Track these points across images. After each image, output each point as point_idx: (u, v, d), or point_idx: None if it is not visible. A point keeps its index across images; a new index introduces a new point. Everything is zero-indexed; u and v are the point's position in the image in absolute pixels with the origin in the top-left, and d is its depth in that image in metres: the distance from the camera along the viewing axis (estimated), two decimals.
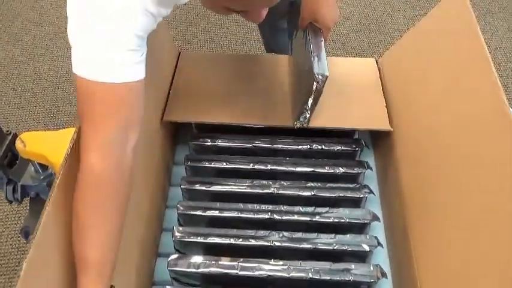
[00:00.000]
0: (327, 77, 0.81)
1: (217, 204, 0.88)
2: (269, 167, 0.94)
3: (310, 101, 0.86)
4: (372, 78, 1.02)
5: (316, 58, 0.83)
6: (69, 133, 0.91)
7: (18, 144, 0.88)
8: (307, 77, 0.84)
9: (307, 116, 0.90)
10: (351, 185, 0.91)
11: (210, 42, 1.70)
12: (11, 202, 1.00)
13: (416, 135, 0.88)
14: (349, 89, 0.99)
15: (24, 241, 1.13)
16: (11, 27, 1.74)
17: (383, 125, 0.94)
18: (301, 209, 0.87)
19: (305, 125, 0.92)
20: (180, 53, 1.07)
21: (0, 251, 1.19)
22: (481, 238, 0.64)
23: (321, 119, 0.93)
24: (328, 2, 0.86)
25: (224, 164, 0.94)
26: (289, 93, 0.99)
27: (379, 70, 1.04)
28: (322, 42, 0.86)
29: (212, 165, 0.95)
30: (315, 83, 0.81)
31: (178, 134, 1.07)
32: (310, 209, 0.87)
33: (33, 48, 1.67)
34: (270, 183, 0.92)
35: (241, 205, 0.89)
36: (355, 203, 0.91)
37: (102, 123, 0.60)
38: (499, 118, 0.65)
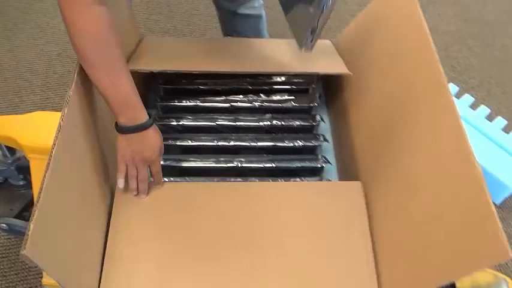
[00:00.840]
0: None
1: (186, 178, 0.94)
2: (232, 143, 0.99)
3: (319, 20, 0.83)
4: (331, 54, 1.09)
5: None
6: (36, 116, 0.94)
7: None
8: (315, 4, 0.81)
9: (312, 39, 0.87)
10: (309, 156, 0.98)
11: (172, 31, 1.73)
12: None
13: (368, 101, 0.95)
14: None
15: None
16: None
17: (341, 69, 1.00)
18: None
19: (309, 49, 0.89)
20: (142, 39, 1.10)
21: None
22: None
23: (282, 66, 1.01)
24: None
25: (189, 141, 0.99)
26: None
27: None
28: None
29: (178, 143, 0.99)
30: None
31: None
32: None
33: None
34: (234, 157, 0.97)
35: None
36: (314, 172, 0.98)
37: None
38: (438, 84, 0.73)
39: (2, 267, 1.15)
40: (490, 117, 1.42)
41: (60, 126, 0.68)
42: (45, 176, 0.62)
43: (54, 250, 0.62)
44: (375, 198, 0.85)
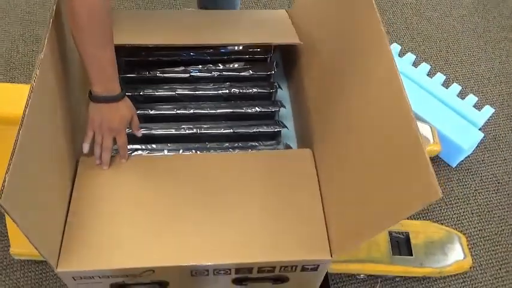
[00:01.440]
0: None
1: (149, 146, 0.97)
2: (191, 111, 1.02)
3: None
4: (285, 24, 1.12)
5: None
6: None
7: None
8: None
9: None
10: (266, 121, 1.02)
11: (136, 9, 1.74)
12: None
13: (317, 66, 0.99)
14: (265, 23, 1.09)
15: None
16: None
17: (293, 39, 1.05)
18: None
19: None
20: None
21: None
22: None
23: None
24: None
25: (149, 111, 1.01)
26: None
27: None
28: None
29: (138, 112, 1.02)
30: None
31: None
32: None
33: None
34: (194, 124, 1.00)
35: (168, 145, 0.98)
36: (272, 137, 1.02)
37: None
38: (378, 38, 0.78)
39: None
40: (446, 84, 1.47)
41: (32, 87, 0.71)
42: (18, 133, 0.65)
43: (24, 203, 0.65)
44: (323, 161, 0.90)
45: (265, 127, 1.00)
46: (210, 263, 0.76)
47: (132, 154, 0.94)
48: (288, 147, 1.00)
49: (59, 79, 0.84)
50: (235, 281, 0.84)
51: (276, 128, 1.00)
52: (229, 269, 0.79)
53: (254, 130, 1.00)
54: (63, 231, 0.79)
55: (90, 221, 0.80)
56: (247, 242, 0.79)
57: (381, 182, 0.71)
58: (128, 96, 1.03)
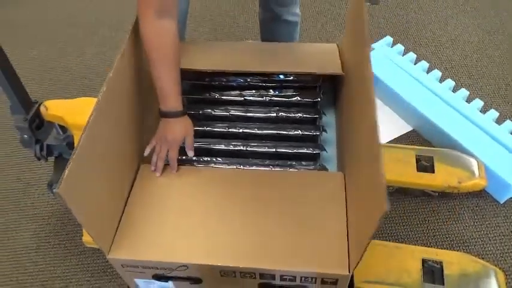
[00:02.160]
0: None
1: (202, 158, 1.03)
2: (241, 130, 1.06)
3: None
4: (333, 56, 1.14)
5: None
6: (82, 101, 1.07)
7: (42, 108, 1.04)
8: None
9: None
10: (307, 144, 1.03)
11: (214, 40, 1.84)
12: (39, 159, 1.16)
13: (350, 97, 1.00)
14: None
15: (52, 195, 1.29)
16: (48, 29, 1.93)
17: (335, 70, 1.07)
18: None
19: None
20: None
21: (33, 204, 1.36)
22: None
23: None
24: None
25: (206, 127, 1.08)
26: None
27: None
28: None
29: (197, 128, 1.09)
30: None
31: None
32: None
33: (67, 46, 1.86)
34: (242, 142, 1.05)
35: (218, 158, 1.03)
36: (311, 158, 1.03)
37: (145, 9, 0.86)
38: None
39: (56, 227, 1.30)
40: (499, 121, 1.39)
41: (98, 100, 0.80)
42: (81, 135, 0.73)
43: (81, 195, 0.73)
44: (350, 184, 0.90)
45: (305, 149, 1.02)
46: (234, 265, 0.79)
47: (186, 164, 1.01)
48: (322, 168, 1.00)
49: (125, 94, 0.92)
50: (261, 286, 0.85)
51: (315, 151, 1.02)
52: (254, 273, 0.81)
53: (294, 151, 1.01)
54: (117, 225, 0.86)
55: (140, 219, 0.87)
56: (271, 249, 0.81)
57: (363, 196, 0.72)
58: (190, 114, 1.11)
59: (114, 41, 1.86)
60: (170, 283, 0.88)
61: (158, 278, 0.87)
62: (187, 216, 0.88)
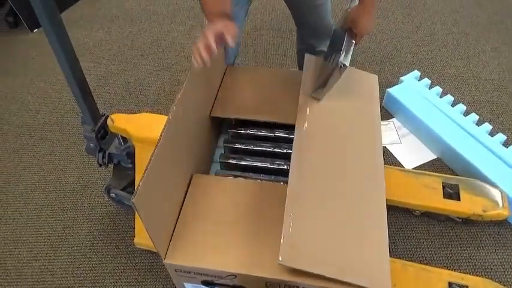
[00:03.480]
0: (347, 67, 0.88)
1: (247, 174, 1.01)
2: (285, 150, 1.04)
3: (329, 82, 0.94)
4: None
5: (344, 52, 0.90)
6: (145, 116, 1.07)
7: (108, 121, 1.04)
8: (331, 67, 0.91)
9: (323, 92, 0.98)
10: None
11: (255, 66, 1.84)
12: (100, 165, 1.16)
13: None
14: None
15: (107, 198, 1.29)
16: (110, 49, 1.97)
17: None
18: None
19: (319, 98, 0.99)
20: (227, 67, 1.20)
21: (90, 205, 1.36)
22: None
23: None
24: (367, 15, 0.93)
25: (252, 146, 1.06)
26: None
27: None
28: (353, 45, 0.93)
29: (242, 147, 1.07)
30: (337, 69, 0.88)
31: (221, 125, 1.20)
32: None
33: (125, 65, 1.88)
34: (285, 161, 1.02)
35: (262, 175, 1.00)
36: None
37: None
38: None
39: (109, 228, 1.29)
40: None
41: (168, 119, 0.79)
42: (154, 151, 0.72)
43: (150, 205, 0.71)
44: None
45: None
46: (279, 278, 0.76)
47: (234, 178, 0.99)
48: None
49: (188, 115, 0.91)
50: None
51: None
52: (298, 287, 0.78)
53: None
54: (172, 233, 0.84)
55: (194, 228, 0.85)
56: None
57: None
58: (237, 133, 1.09)
59: (166, 62, 1.88)
60: None
61: (207, 283, 0.84)
62: (237, 225, 0.85)
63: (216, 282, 0.83)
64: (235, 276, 0.79)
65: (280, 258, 0.74)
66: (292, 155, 0.90)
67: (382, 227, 0.82)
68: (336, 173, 0.90)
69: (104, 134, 1.11)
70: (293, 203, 0.82)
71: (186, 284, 0.88)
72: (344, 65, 0.88)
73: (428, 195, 1.20)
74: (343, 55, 0.89)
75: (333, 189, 0.87)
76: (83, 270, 1.21)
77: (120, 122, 1.03)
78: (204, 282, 0.84)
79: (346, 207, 0.84)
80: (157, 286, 1.16)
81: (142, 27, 2.07)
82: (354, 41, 0.94)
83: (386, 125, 1.55)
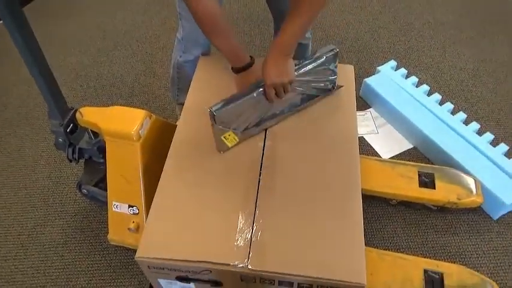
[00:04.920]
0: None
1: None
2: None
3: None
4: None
5: None
6: (116, 109, 1.04)
7: (77, 114, 1.01)
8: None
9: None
10: None
11: None
12: (70, 161, 1.13)
13: None
14: None
15: (79, 193, 1.25)
16: (82, 40, 1.91)
17: None
18: None
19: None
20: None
21: (61, 201, 1.32)
22: None
23: None
24: (273, 63, 0.90)
25: None
26: None
27: None
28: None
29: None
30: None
31: None
32: None
33: (98, 56, 1.83)
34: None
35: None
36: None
37: None
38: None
39: (82, 224, 1.26)
40: (494, 143, 1.36)
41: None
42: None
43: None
44: None
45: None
46: (254, 271, 0.75)
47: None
48: None
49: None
50: None
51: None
52: (273, 280, 0.77)
53: None
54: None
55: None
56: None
57: None
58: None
59: (141, 53, 1.83)
60: (192, 284, 0.84)
61: (181, 279, 0.83)
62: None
63: (190, 277, 0.82)
64: (210, 271, 0.78)
65: (249, 266, 0.74)
66: (265, 145, 0.89)
67: (357, 216, 0.82)
68: (310, 166, 0.89)
69: (73, 128, 1.07)
70: (264, 198, 0.82)
71: (160, 281, 0.86)
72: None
73: (404, 184, 1.22)
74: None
75: (305, 182, 0.87)
76: (55, 268, 1.17)
77: (89, 115, 1.00)
78: (179, 278, 0.83)
79: (319, 201, 0.84)
80: (133, 283, 1.14)
81: (115, 18, 2.01)
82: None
83: (363, 115, 1.55)
